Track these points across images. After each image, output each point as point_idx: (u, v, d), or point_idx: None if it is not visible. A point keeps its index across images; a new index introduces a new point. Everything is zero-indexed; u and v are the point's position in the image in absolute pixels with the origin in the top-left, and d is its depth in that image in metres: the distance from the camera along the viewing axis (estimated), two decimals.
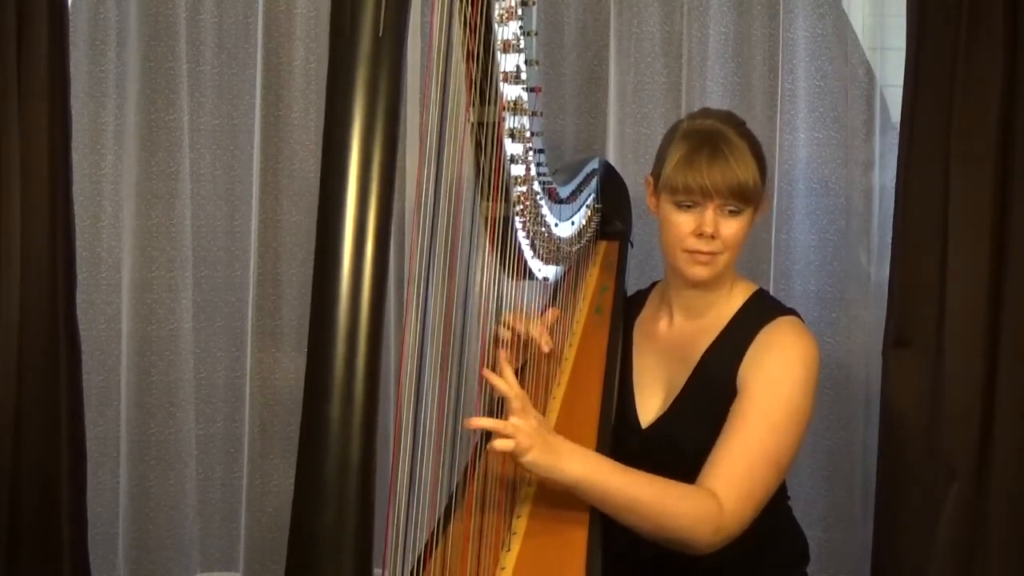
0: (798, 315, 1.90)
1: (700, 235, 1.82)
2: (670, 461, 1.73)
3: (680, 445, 1.83)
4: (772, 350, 1.82)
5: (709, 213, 1.81)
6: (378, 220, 0.99)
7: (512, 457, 1.57)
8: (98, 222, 2.67)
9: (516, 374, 1.85)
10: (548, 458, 1.58)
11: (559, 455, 1.59)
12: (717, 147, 1.81)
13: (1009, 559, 2.11)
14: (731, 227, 1.83)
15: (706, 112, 1.96)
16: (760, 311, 1.89)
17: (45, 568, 2.33)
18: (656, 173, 1.89)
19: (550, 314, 1.91)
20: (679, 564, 1.73)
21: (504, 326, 1.85)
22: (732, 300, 1.92)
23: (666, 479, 1.66)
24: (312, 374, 0.98)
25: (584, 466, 1.61)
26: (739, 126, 1.89)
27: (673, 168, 1.83)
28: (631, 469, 1.66)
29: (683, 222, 1.83)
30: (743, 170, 1.81)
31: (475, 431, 1.61)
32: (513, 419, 1.56)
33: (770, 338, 1.84)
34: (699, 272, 1.85)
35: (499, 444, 1.55)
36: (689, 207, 1.83)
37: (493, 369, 1.62)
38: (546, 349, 1.86)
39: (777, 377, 1.78)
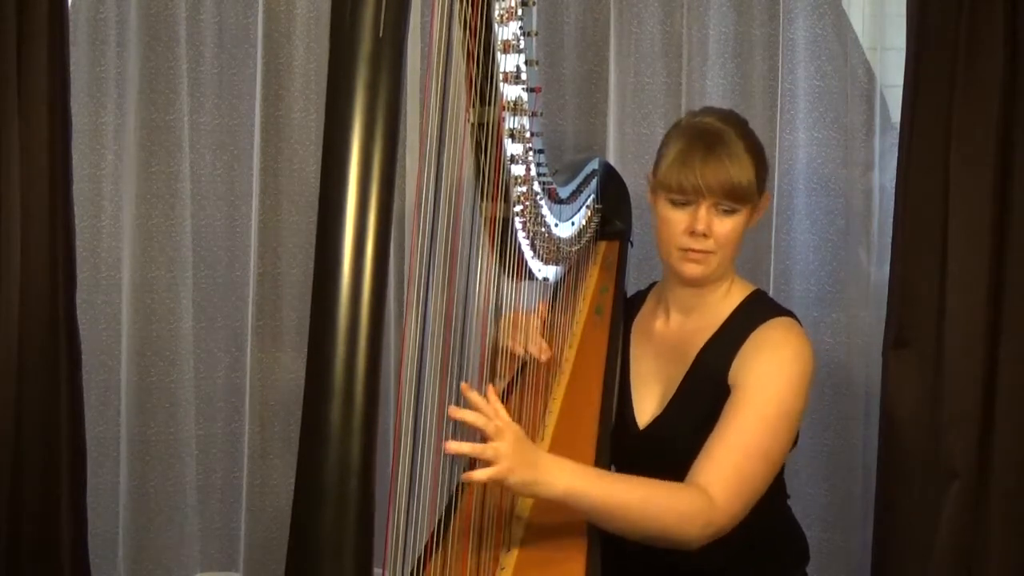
0: (795, 317, 1.90)
1: (693, 233, 1.82)
2: (667, 461, 1.72)
3: (676, 445, 1.83)
4: (764, 349, 1.81)
5: (702, 211, 1.81)
6: (378, 221, 0.99)
7: (494, 483, 1.52)
8: (98, 222, 2.67)
9: (515, 377, 1.85)
10: (530, 474, 1.52)
11: (540, 470, 1.53)
12: (712, 145, 1.80)
13: (1009, 559, 2.11)
14: (725, 226, 1.82)
15: (707, 110, 1.95)
16: (756, 312, 1.88)
17: (45, 568, 2.34)
18: (655, 170, 1.90)
19: (541, 308, 1.91)
20: (680, 563, 1.73)
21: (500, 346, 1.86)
22: (729, 300, 1.91)
23: (653, 480, 1.64)
24: (312, 375, 0.98)
25: (567, 478, 1.55)
26: (739, 125, 1.88)
27: (668, 165, 1.83)
28: (616, 475, 1.65)
29: (677, 219, 1.83)
30: (737, 170, 1.80)
31: (470, 430, 1.61)
32: (493, 444, 1.49)
33: (763, 338, 1.83)
34: (692, 270, 1.85)
35: (477, 475, 1.49)
36: (683, 205, 1.82)
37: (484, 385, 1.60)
38: (544, 359, 1.86)
39: (767, 375, 1.77)
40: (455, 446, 1.45)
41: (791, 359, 1.80)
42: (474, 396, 1.50)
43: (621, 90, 2.60)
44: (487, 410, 1.50)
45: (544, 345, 1.90)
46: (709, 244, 1.82)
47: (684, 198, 1.81)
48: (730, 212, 1.82)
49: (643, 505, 1.61)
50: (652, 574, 1.84)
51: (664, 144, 1.89)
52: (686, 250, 1.83)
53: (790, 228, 2.58)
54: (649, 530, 1.63)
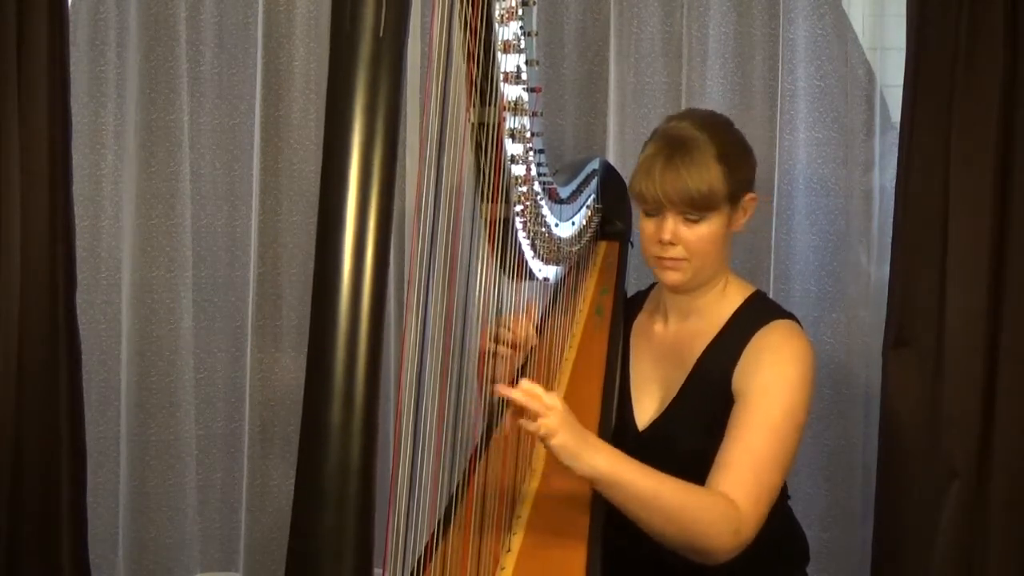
0: (795, 319, 1.90)
1: (661, 242, 1.83)
2: (666, 463, 1.72)
3: (675, 448, 1.83)
4: (765, 354, 1.81)
5: (668, 220, 1.81)
6: (378, 221, 0.99)
7: (541, 438, 1.55)
8: (98, 222, 2.67)
9: (515, 377, 1.85)
10: (577, 444, 1.55)
11: (587, 443, 1.57)
12: (672, 155, 1.79)
13: (1009, 558, 2.11)
14: (693, 234, 1.81)
15: (687, 114, 1.95)
16: (756, 314, 1.88)
17: (45, 568, 2.34)
18: None
19: (528, 313, 1.91)
20: (679, 563, 1.73)
21: (492, 338, 1.85)
22: (727, 302, 1.91)
23: (684, 481, 1.66)
24: (312, 376, 0.98)
25: (610, 459, 1.59)
26: (713, 128, 1.85)
27: (634, 175, 1.85)
28: (653, 469, 1.65)
29: (648, 228, 1.84)
30: (696, 179, 1.78)
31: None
32: (546, 398, 1.53)
33: (763, 342, 1.83)
34: (669, 277, 1.86)
35: (531, 425, 1.52)
36: (653, 213, 1.83)
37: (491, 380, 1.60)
38: (533, 339, 1.86)
39: (772, 381, 1.78)
40: (509, 391, 1.50)
41: (793, 363, 1.80)
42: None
43: (621, 90, 2.60)
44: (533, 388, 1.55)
45: (529, 333, 1.89)
46: (678, 252, 1.82)
47: (649, 207, 1.82)
48: (696, 220, 1.81)
49: (678, 500, 1.62)
50: (653, 574, 1.84)
51: (641, 151, 1.89)
52: (660, 258, 1.84)
53: (790, 228, 2.58)
54: (682, 525, 1.63)
